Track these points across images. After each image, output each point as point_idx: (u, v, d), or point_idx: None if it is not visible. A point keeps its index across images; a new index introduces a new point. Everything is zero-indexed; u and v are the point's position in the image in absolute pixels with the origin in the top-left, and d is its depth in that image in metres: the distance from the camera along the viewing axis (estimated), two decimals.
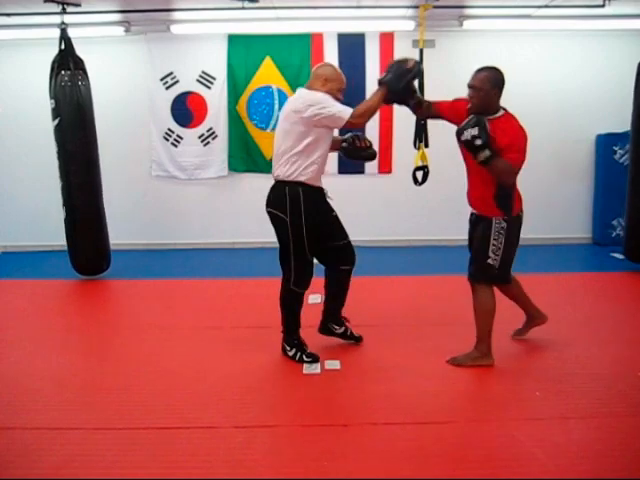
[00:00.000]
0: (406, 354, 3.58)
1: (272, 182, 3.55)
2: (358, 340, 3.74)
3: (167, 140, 6.80)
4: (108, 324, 4.37)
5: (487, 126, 3.08)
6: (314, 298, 4.67)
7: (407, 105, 3.52)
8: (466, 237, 3.59)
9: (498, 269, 3.32)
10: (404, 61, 3.35)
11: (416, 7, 5.83)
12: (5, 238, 6.85)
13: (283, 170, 3.37)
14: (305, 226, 3.34)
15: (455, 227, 6.97)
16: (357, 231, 6.82)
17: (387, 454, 2.47)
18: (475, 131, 3.06)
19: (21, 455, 2.50)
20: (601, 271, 5.66)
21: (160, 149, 6.82)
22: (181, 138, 6.80)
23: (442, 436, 2.62)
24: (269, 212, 3.52)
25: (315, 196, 3.43)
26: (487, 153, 3.08)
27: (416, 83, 3.46)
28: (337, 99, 3.35)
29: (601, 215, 6.77)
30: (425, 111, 3.61)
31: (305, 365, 3.39)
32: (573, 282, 5.23)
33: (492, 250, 3.29)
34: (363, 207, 6.84)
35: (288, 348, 3.50)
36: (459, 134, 3.17)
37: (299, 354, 3.46)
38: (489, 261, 3.30)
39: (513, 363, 3.44)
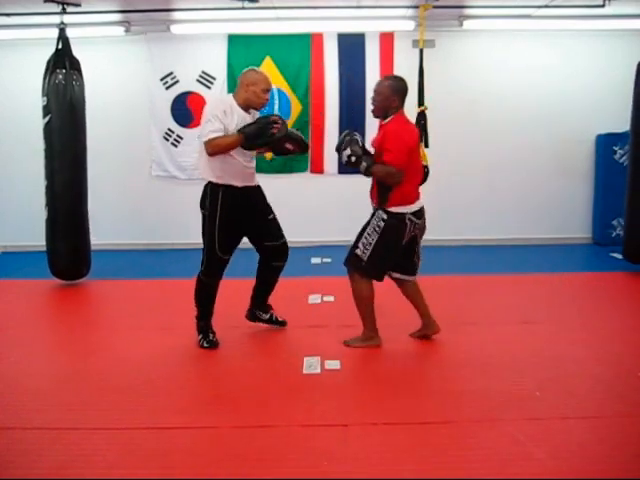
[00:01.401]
0: (406, 354, 3.58)
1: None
2: (283, 324, 4.00)
3: (167, 140, 6.81)
4: (108, 324, 4.37)
5: (359, 141, 3.46)
6: (314, 298, 4.68)
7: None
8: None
9: (366, 264, 3.48)
10: (271, 122, 3.46)
11: (416, 7, 5.84)
12: (5, 238, 6.86)
13: (200, 170, 3.69)
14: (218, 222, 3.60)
15: (453, 228, 7.03)
16: (357, 231, 6.88)
17: (387, 454, 2.47)
18: (348, 151, 3.43)
19: (21, 455, 2.50)
20: (601, 271, 5.67)
21: (160, 149, 6.83)
22: (181, 138, 6.80)
23: (442, 436, 2.62)
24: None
25: (231, 193, 3.61)
26: (364, 164, 3.38)
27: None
28: (262, 100, 3.56)
29: (601, 215, 6.77)
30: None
31: (305, 365, 3.39)
32: (573, 282, 5.23)
33: (362, 243, 3.49)
34: (363, 207, 6.83)
35: (197, 334, 3.70)
36: (339, 156, 3.51)
37: (201, 339, 3.68)
38: (357, 251, 3.50)
39: (513, 363, 3.44)
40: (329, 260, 6.08)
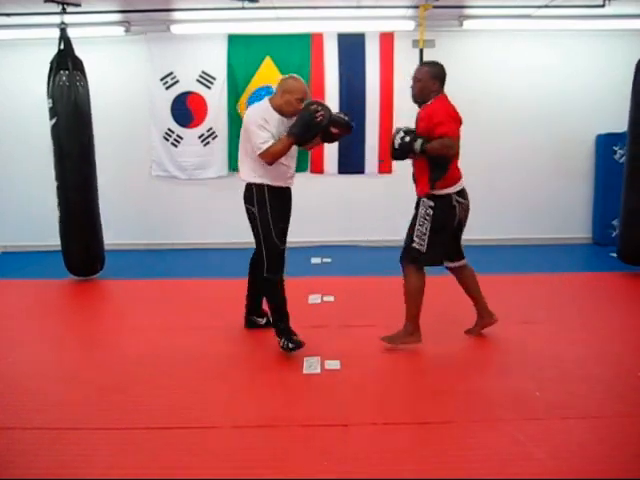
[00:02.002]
0: (406, 354, 3.58)
1: None
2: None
3: (167, 140, 6.80)
4: (108, 324, 4.38)
5: (405, 128, 3.51)
6: (314, 298, 4.68)
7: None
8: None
9: (425, 254, 3.49)
10: (313, 111, 3.44)
11: (416, 7, 5.84)
12: (5, 238, 6.85)
13: (244, 173, 3.63)
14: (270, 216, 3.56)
15: None
16: (357, 231, 6.90)
17: (387, 454, 2.47)
18: (401, 134, 3.48)
19: (21, 455, 2.50)
20: (601, 271, 5.66)
21: (160, 149, 6.82)
22: (181, 138, 6.80)
23: (442, 436, 2.63)
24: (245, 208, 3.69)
25: (275, 193, 3.61)
26: (419, 141, 3.38)
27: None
28: (296, 108, 3.51)
29: (601, 215, 6.77)
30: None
31: (305, 365, 3.39)
32: (573, 282, 5.23)
33: (417, 235, 3.50)
34: (363, 207, 6.85)
35: (277, 337, 3.61)
36: (392, 150, 3.54)
37: (284, 341, 3.57)
38: (414, 245, 3.51)
39: (513, 363, 3.44)
40: (329, 260, 6.08)
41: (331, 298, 4.70)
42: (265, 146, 3.41)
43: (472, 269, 3.77)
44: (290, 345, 3.54)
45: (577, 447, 2.52)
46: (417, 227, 3.51)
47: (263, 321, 4.01)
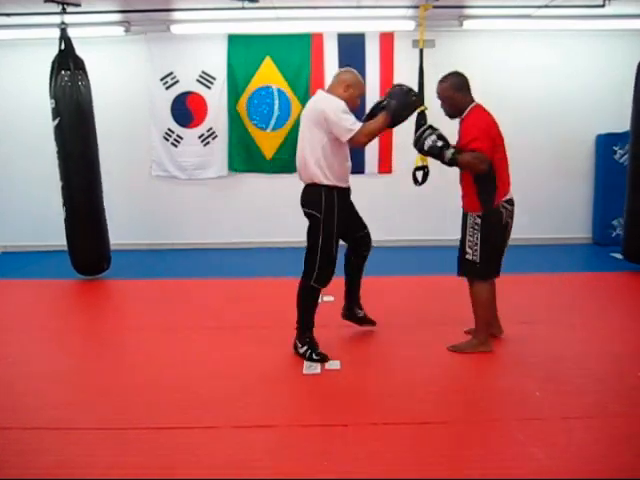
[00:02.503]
0: (406, 354, 3.58)
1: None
2: (374, 324, 3.92)
3: (167, 140, 6.80)
4: (108, 324, 4.37)
5: (440, 132, 3.38)
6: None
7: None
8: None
9: (480, 264, 3.41)
10: (409, 91, 3.39)
11: (416, 7, 5.84)
12: (5, 238, 6.86)
13: (310, 173, 3.44)
14: (335, 223, 3.46)
15: (455, 227, 7.00)
16: None
17: (387, 454, 2.47)
18: (434, 137, 3.34)
19: (20, 455, 2.50)
20: (601, 271, 5.66)
21: (160, 149, 6.82)
22: (181, 138, 6.80)
23: (442, 436, 2.62)
24: (304, 211, 3.59)
25: (341, 194, 3.51)
26: (450, 151, 3.30)
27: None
28: (355, 105, 3.47)
29: (601, 215, 6.77)
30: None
31: (305, 365, 3.39)
32: (573, 282, 5.23)
33: (468, 245, 3.43)
34: (363, 207, 6.83)
35: (299, 345, 3.52)
36: (420, 148, 3.39)
37: (309, 352, 3.47)
38: (467, 257, 3.44)
39: (513, 363, 3.44)
40: None
41: (331, 298, 4.68)
42: (356, 127, 3.28)
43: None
44: (315, 357, 3.45)
45: (577, 447, 2.52)
46: (468, 238, 3.43)
47: (362, 313, 3.91)
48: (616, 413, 2.80)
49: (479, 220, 3.39)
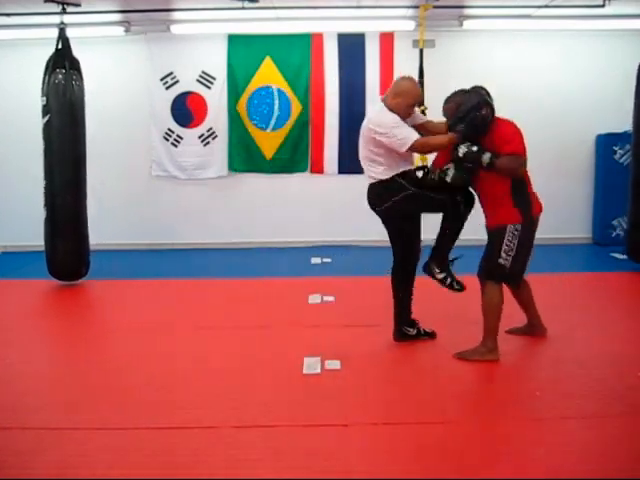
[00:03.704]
0: (406, 354, 3.58)
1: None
2: (433, 336, 3.76)
3: (167, 140, 6.81)
4: (108, 324, 4.38)
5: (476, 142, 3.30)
6: (314, 298, 4.68)
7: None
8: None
9: (509, 269, 3.39)
10: (477, 105, 3.31)
11: (416, 7, 5.84)
12: (5, 238, 6.85)
13: (376, 172, 3.56)
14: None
15: None
16: (357, 231, 6.89)
17: (387, 454, 2.47)
18: (466, 143, 3.28)
19: (20, 455, 2.50)
20: (601, 271, 5.66)
21: (160, 149, 6.83)
22: (181, 138, 6.80)
23: (442, 436, 2.62)
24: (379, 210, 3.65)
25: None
26: (487, 154, 3.24)
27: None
28: (408, 113, 3.50)
29: (601, 215, 6.77)
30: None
31: (305, 365, 3.39)
32: (573, 282, 5.23)
33: (504, 250, 3.37)
34: (363, 207, 6.83)
35: (437, 271, 3.60)
36: (455, 156, 3.32)
37: (449, 279, 3.58)
38: (500, 261, 3.37)
39: (513, 363, 3.44)
40: (329, 260, 6.08)
41: (331, 298, 4.69)
42: (415, 136, 3.36)
43: (528, 283, 3.70)
44: (456, 286, 3.59)
45: (577, 447, 2.52)
46: (505, 245, 3.37)
47: (414, 331, 3.71)
48: (616, 413, 2.80)
49: (519, 227, 3.35)
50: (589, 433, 2.64)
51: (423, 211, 3.63)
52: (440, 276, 3.63)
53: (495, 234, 3.43)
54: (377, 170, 3.54)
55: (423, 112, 5.04)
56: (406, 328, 3.68)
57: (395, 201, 3.51)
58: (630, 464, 2.39)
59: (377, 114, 3.51)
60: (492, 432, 2.66)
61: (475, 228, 3.67)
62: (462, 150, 3.29)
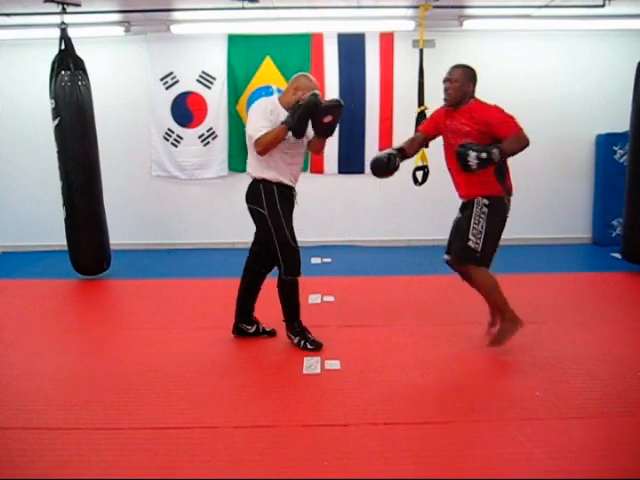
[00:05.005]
0: (406, 354, 3.58)
1: None
2: (272, 334, 3.86)
3: (167, 140, 6.81)
4: (108, 324, 4.37)
5: (469, 144, 3.35)
6: (314, 298, 4.68)
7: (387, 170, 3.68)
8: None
9: (480, 252, 3.43)
10: (298, 98, 3.47)
11: (416, 7, 5.83)
12: (5, 238, 6.85)
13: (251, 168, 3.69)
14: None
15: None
16: (357, 231, 6.90)
17: (387, 454, 2.47)
18: (474, 153, 3.28)
19: (20, 455, 2.50)
20: (601, 271, 5.66)
21: (160, 149, 6.83)
22: (181, 138, 6.80)
23: (442, 436, 2.62)
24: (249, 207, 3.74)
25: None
26: (496, 150, 3.28)
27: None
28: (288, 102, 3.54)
29: (601, 215, 6.77)
30: (407, 153, 3.78)
31: (305, 365, 3.39)
32: (573, 282, 5.23)
33: (472, 233, 3.43)
34: (363, 207, 6.85)
35: (292, 336, 3.64)
36: (467, 169, 3.33)
37: (303, 342, 3.59)
38: (470, 244, 3.43)
39: (513, 363, 3.44)
40: (329, 260, 6.08)
41: (331, 298, 4.70)
42: (260, 134, 3.41)
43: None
44: (309, 346, 3.58)
45: (577, 447, 2.52)
46: (472, 225, 3.43)
47: (252, 329, 3.86)
48: (616, 413, 2.80)
49: (486, 209, 3.42)
50: (589, 433, 2.65)
51: (261, 237, 3.72)
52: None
53: (465, 208, 3.52)
54: (249, 164, 3.68)
55: (423, 112, 5.03)
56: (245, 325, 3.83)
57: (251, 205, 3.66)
58: (630, 464, 2.40)
59: (260, 100, 3.69)
60: (492, 432, 2.67)
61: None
62: (473, 162, 3.27)
